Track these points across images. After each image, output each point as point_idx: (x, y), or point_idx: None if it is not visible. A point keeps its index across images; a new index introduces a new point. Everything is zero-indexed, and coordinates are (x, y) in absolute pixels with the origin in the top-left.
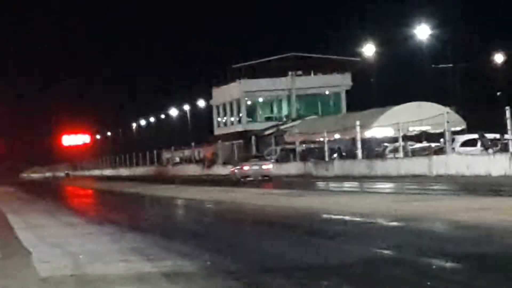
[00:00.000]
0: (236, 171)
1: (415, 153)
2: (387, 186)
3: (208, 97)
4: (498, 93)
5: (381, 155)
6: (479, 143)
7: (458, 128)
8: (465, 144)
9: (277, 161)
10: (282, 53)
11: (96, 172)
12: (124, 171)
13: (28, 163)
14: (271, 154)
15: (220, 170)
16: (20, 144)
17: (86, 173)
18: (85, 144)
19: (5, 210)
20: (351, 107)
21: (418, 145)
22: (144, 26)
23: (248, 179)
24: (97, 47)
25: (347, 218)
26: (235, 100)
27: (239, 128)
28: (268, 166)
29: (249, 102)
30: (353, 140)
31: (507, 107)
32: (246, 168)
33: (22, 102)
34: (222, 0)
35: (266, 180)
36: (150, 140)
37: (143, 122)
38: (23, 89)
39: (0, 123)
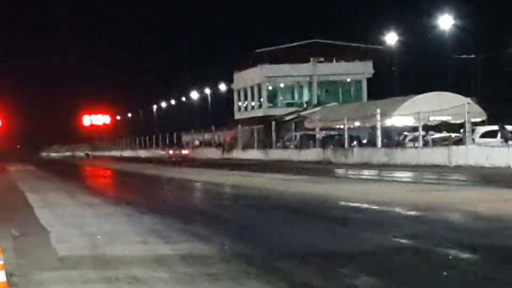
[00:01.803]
0: (166, 154)
1: (434, 143)
2: (405, 175)
3: (229, 81)
4: None
5: (400, 144)
6: (499, 135)
7: (478, 119)
8: (485, 135)
9: (296, 147)
10: (305, 39)
11: (116, 153)
12: (143, 153)
13: (48, 142)
14: (290, 140)
15: (239, 154)
16: (41, 123)
17: (106, 153)
18: (105, 124)
19: (25, 188)
20: (372, 95)
21: (438, 135)
22: (168, 9)
23: (173, 159)
24: (119, 29)
25: (364, 206)
26: (256, 85)
27: (260, 113)
28: (185, 152)
29: (270, 87)
30: (373, 128)
31: None
32: (171, 152)
33: (43, 82)
34: None
35: (184, 160)
36: (170, 122)
37: (163, 104)
38: (45, 69)
39: (21, 103)
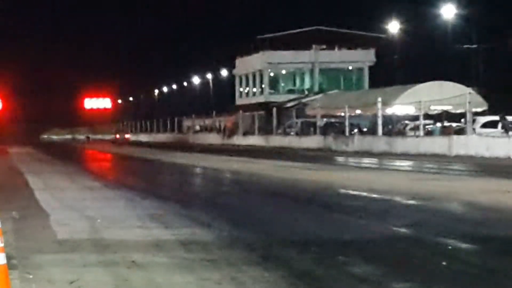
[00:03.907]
0: (114, 137)
1: (442, 132)
2: (406, 164)
3: (231, 66)
4: None
5: (401, 133)
6: (499, 125)
7: (479, 109)
8: (485, 125)
9: (297, 134)
10: (307, 26)
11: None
12: (144, 137)
13: (48, 124)
14: (291, 127)
15: (240, 140)
16: (41, 106)
17: (107, 137)
18: (106, 108)
19: (25, 171)
20: (373, 83)
21: (438, 124)
22: None
23: (119, 141)
24: (121, 12)
25: (364, 194)
26: (258, 71)
27: (261, 99)
28: (128, 136)
29: (272, 74)
30: (374, 116)
31: None
32: (117, 136)
33: (45, 64)
34: None
35: (127, 142)
36: (171, 107)
37: (165, 89)
38: (47, 51)
39: (22, 84)
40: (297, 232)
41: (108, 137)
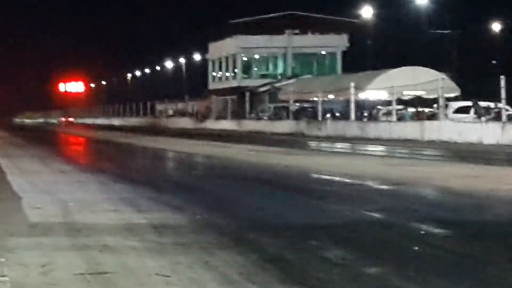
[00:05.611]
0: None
1: (416, 117)
2: (378, 149)
3: (204, 51)
4: (494, 62)
5: (374, 118)
6: (472, 111)
7: (452, 95)
8: (458, 111)
9: (269, 118)
10: (280, 11)
11: (89, 121)
12: (117, 121)
13: (21, 108)
14: (264, 111)
15: (213, 124)
16: (14, 90)
17: (79, 121)
18: (78, 92)
19: None
20: (346, 68)
21: (411, 109)
22: None
23: (64, 124)
24: None
25: (336, 179)
26: (231, 56)
27: (234, 83)
28: (71, 119)
29: (245, 58)
30: (347, 101)
31: (502, 76)
32: (63, 119)
33: (17, 47)
34: None
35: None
36: (144, 91)
37: (138, 73)
38: (19, 34)
39: None
40: (270, 216)
41: (82, 121)
